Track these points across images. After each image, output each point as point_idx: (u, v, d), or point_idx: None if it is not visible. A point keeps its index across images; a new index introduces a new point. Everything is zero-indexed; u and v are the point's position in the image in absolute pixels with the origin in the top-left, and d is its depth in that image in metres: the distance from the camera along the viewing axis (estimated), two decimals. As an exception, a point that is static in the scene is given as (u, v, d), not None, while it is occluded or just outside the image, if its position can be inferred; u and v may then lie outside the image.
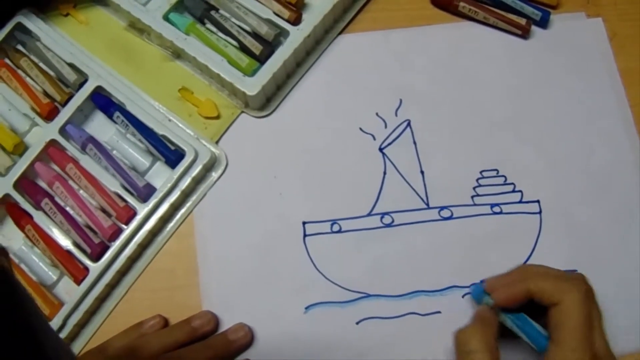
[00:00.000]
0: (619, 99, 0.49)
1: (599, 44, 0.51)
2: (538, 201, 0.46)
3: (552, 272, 0.40)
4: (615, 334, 0.41)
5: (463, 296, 0.44)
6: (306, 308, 0.44)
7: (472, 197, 0.46)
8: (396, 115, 0.48)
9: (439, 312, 0.44)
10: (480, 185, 0.47)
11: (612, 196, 0.46)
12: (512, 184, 0.47)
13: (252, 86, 0.46)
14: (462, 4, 0.50)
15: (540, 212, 0.46)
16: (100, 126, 0.48)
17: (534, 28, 0.51)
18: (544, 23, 0.50)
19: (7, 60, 0.49)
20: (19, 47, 0.50)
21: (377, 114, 0.48)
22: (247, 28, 0.48)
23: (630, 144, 0.48)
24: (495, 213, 0.46)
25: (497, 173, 0.47)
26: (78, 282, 0.43)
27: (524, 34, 0.50)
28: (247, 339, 0.42)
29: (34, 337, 0.25)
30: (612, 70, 0.50)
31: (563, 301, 0.37)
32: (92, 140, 0.46)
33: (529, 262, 0.45)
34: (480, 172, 0.47)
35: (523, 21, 0.50)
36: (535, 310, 0.39)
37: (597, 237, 0.45)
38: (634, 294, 0.44)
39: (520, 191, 0.47)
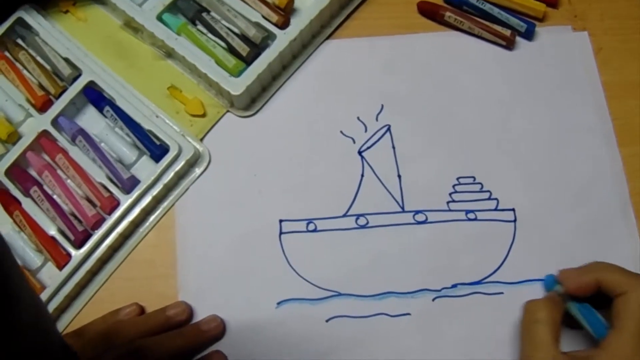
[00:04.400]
0: (601, 113, 0.50)
1: (584, 57, 0.51)
2: (513, 209, 0.47)
3: (622, 268, 0.41)
4: (587, 343, 0.42)
5: (433, 299, 0.45)
6: (278, 303, 0.45)
7: (448, 202, 0.47)
8: (377, 120, 0.49)
9: (408, 314, 0.44)
10: (456, 192, 0.47)
11: (589, 209, 0.47)
12: (489, 191, 0.48)
13: (237, 86, 0.47)
14: (448, 13, 0.51)
15: (515, 221, 0.47)
16: (90, 119, 0.50)
17: (519, 40, 0.52)
18: (529, 35, 0.51)
19: (6, 53, 0.51)
20: (19, 41, 0.52)
21: (358, 118, 0.49)
22: (236, 30, 0.50)
23: (611, 158, 0.48)
24: (469, 219, 0.47)
25: (474, 180, 0.48)
26: (60, 267, 0.45)
27: (509, 45, 0.51)
28: (218, 330, 0.44)
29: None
30: (596, 84, 0.50)
31: (629, 292, 0.38)
32: (82, 132, 0.48)
33: (500, 270, 0.45)
34: (457, 179, 0.48)
35: (508, 32, 0.51)
36: (599, 305, 0.40)
37: (570, 249, 0.46)
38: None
39: (496, 199, 0.47)
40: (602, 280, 0.40)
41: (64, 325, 0.45)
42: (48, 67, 0.51)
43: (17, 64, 0.51)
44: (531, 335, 0.39)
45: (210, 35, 0.50)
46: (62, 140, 0.48)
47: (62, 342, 0.32)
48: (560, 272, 0.42)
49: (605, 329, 0.39)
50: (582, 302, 0.41)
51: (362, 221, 0.47)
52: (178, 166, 0.47)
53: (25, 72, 0.50)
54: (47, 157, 0.48)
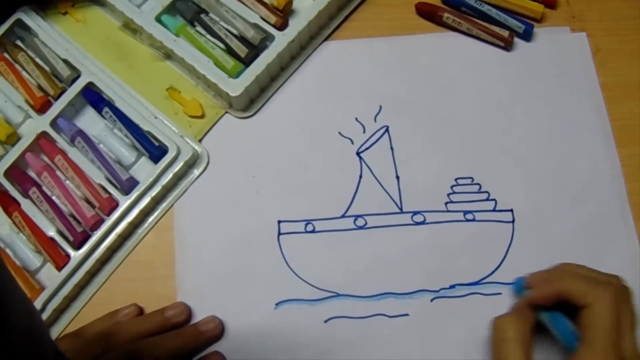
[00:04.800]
0: (600, 113, 0.50)
1: (582, 58, 0.51)
2: (511, 210, 0.47)
3: (588, 273, 0.41)
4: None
5: (432, 300, 0.45)
6: (276, 304, 0.45)
7: (446, 203, 0.47)
8: (375, 121, 0.49)
9: (406, 314, 0.45)
10: (454, 192, 0.48)
11: (587, 209, 0.47)
12: (487, 192, 0.48)
13: (235, 87, 0.47)
14: (446, 14, 0.51)
15: (513, 221, 0.47)
16: (89, 120, 0.50)
17: (517, 40, 0.52)
18: (527, 36, 0.51)
19: (5, 55, 0.51)
20: (18, 42, 0.52)
21: (356, 119, 0.50)
22: (235, 31, 0.50)
23: (609, 159, 0.48)
24: (468, 220, 0.47)
25: (472, 181, 0.48)
26: (59, 268, 0.45)
27: (507, 46, 0.51)
28: (217, 331, 0.44)
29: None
30: (594, 85, 0.51)
31: (593, 304, 0.38)
32: (81, 133, 0.48)
33: (498, 271, 0.45)
34: (455, 180, 0.48)
35: (506, 33, 0.51)
36: (571, 310, 0.40)
37: (569, 249, 0.46)
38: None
39: (494, 199, 0.47)
40: (566, 291, 0.39)
41: (62, 326, 0.45)
42: (47, 68, 0.51)
43: (16, 65, 0.51)
44: (502, 354, 0.39)
45: (208, 36, 0.50)
46: (61, 142, 0.48)
47: (56, 349, 0.32)
48: (528, 278, 0.42)
49: (575, 340, 0.39)
50: (553, 309, 0.40)
51: (360, 222, 0.47)
52: (177, 167, 0.47)
53: (24, 73, 0.50)
54: (46, 158, 0.48)
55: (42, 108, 0.49)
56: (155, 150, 0.47)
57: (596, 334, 0.37)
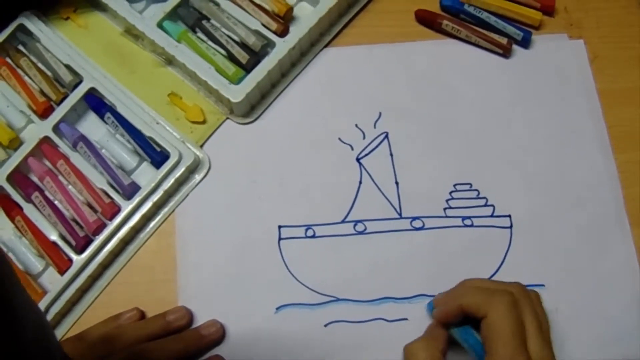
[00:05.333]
0: (597, 120, 0.50)
1: (580, 65, 0.52)
2: (509, 216, 0.48)
3: (486, 285, 0.41)
4: (581, 349, 0.43)
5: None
6: (277, 308, 0.45)
7: (445, 209, 0.48)
8: (375, 127, 0.50)
9: (405, 319, 0.45)
10: (452, 198, 0.48)
11: (584, 215, 0.47)
12: (485, 198, 0.48)
13: (236, 94, 0.48)
14: (445, 22, 0.52)
15: (511, 227, 0.47)
16: (91, 126, 0.50)
17: (515, 48, 0.52)
18: (525, 43, 0.52)
19: (7, 60, 0.52)
20: (20, 47, 0.53)
21: (356, 125, 0.50)
22: (236, 38, 0.50)
23: (605, 165, 0.49)
24: (466, 226, 0.47)
25: (471, 187, 0.48)
26: (62, 272, 0.45)
27: (505, 53, 0.52)
28: (218, 334, 0.44)
29: (11, 318, 0.26)
30: (591, 92, 0.51)
31: (489, 314, 0.38)
32: (83, 138, 0.48)
33: (496, 276, 0.46)
34: (454, 185, 0.48)
35: (504, 40, 0.51)
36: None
37: (566, 255, 0.46)
38: (601, 310, 0.45)
39: (492, 205, 0.48)
40: (463, 306, 0.39)
41: (65, 329, 0.46)
42: (49, 73, 0.51)
43: (19, 70, 0.51)
44: None
45: (210, 42, 0.50)
46: (63, 147, 0.48)
47: (63, 355, 0.33)
48: (434, 299, 0.43)
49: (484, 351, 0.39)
50: (464, 323, 0.40)
51: (360, 227, 0.47)
52: (178, 172, 0.47)
53: (26, 78, 0.51)
54: (48, 163, 0.49)
55: (44, 113, 0.49)
56: (157, 156, 0.47)
57: (495, 343, 0.37)
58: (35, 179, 0.48)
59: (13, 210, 0.47)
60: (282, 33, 0.50)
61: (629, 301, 0.45)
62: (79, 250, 0.46)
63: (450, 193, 0.48)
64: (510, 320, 0.37)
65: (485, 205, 0.48)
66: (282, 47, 0.49)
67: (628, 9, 0.54)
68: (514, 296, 0.39)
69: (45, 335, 0.30)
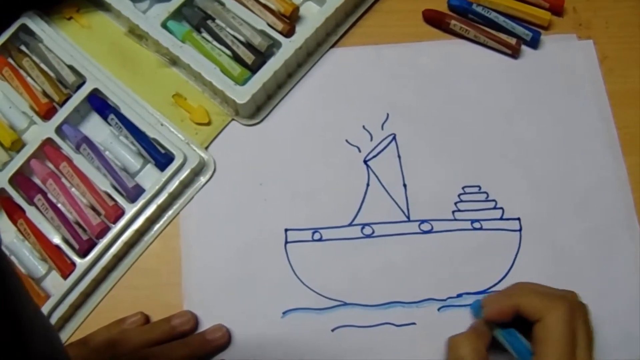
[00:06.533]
0: (606, 121, 0.50)
1: (589, 65, 0.51)
2: (519, 219, 0.47)
3: (542, 289, 0.41)
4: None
5: (439, 309, 0.45)
6: (283, 313, 0.45)
7: (453, 212, 0.47)
8: (382, 128, 0.49)
9: (413, 323, 0.44)
10: (461, 201, 0.47)
11: (594, 218, 0.47)
12: (494, 200, 0.47)
13: (242, 95, 0.47)
14: (453, 22, 0.51)
15: (520, 230, 0.47)
16: (95, 127, 0.50)
17: (524, 48, 0.51)
18: (534, 43, 0.51)
19: (10, 60, 0.51)
20: (22, 47, 0.52)
21: (363, 126, 0.49)
22: (241, 38, 0.50)
23: (615, 167, 0.48)
24: (475, 229, 0.47)
25: (480, 189, 0.48)
26: (65, 276, 0.44)
27: (514, 53, 0.51)
28: (224, 339, 0.43)
29: (19, 327, 0.26)
30: (601, 93, 0.50)
31: (546, 318, 0.38)
32: (86, 140, 0.48)
33: (505, 279, 0.45)
34: (463, 188, 0.48)
35: (513, 41, 0.51)
36: (528, 328, 0.39)
37: (576, 257, 0.46)
38: (610, 313, 0.44)
39: (501, 208, 0.47)
40: (519, 306, 0.39)
41: (68, 334, 0.45)
42: (52, 74, 0.50)
43: (21, 71, 0.50)
44: None
45: (215, 43, 0.50)
46: (66, 148, 0.48)
47: None
48: (483, 298, 0.42)
49: (530, 355, 0.39)
50: (509, 326, 0.40)
51: (367, 230, 0.46)
52: (183, 175, 0.46)
53: (29, 79, 0.50)
54: (51, 165, 0.48)
55: (47, 114, 0.48)
56: (161, 158, 0.47)
57: (548, 347, 0.37)
58: (37, 181, 0.48)
59: (15, 213, 0.46)
60: (288, 33, 0.49)
61: (638, 304, 0.44)
62: (82, 254, 0.45)
63: (459, 196, 0.48)
64: (566, 326, 0.37)
65: (495, 208, 0.47)
66: (288, 48, 0.48)
67: (638, 9, 0.53)
68: (572, 304, 0.39)
69: (53, 345, 0.29)
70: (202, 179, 0.48)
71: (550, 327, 0.37)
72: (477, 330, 0.41)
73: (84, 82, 0.49)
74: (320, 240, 0.46)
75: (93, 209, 0.46)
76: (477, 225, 0.47)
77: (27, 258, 0.46)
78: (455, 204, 0.47)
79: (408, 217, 0.47)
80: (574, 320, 0.38)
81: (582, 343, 0.38)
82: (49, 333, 0.29)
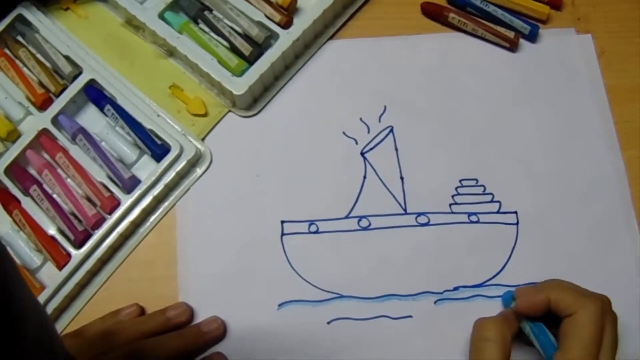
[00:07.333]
0: (604, 116, 0.49)
1: (587, 60, 0.51)
2: (516, 212, 0.47)
3: (577, 287, 0.41)
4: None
5: (435, 302, 0.45)
6: (279, 305, 0.44)
7: (450, 205, 0.47)
8: (379, 121, 0.49)
9: (410, 316, 0.44)
10: (458, 194, 0.47)
11: (591, 211, 0.47)
12: (491, 194, 0.47)
13: (239, 86, 0.47)
14: (451, 15, 0.51)
15: (517, 223, 0.47)
16: (91, 118, 0.49)
17: (522, 42, 0.51)
18: (532, 37, 0.51)
19: (6, 50, 0.51)
20: (19, 37, 0.52)
21: (361, 119, 0.49)
22: (239, 29, 0.49)
23: (613, 161, 0.48)
24: (472, 222, 0.47)
25: (477, 182, 0.48)
26: (60, 267, 0.44)
27: (512, 47, 0.51)
28: (219, 331, 0.43)
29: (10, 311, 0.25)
30: (599, 87, 0.50)
31: (577, 313, 0.38)
32: (82, 131, 0.48)
33: (502, 273, 0.45)
34: (460, 181, 0.48)
35: (511, 34, 0.50)
36: (554, 325, 0.40)
37: (573, 251, 0.46)
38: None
39: (498, 201, 0.47)
40: (552, 300, 0.39)
41: (63, 325, 0.45)
42: (48, 64, 0.50)
43: (17, 61, 0.50)
44: (479, 353, 0.39)
45: (212, 34, 0.50)
46: (62, 139, 0.47)
47: (66, 354, 0.32)
48: (516, 290, 0.42)
49: (554, 350, 0.39)
50: (537, 321, 0.40)
51: (364, 223, 0.46)
52: (179, 166, 0.46)
53: (25, 69, 0.50)
54: (47, 156, 0.48)
55: (43, 105, 0.48)
56: (157, 149, 0.47)
57: (575, 342, 0.37)
58: (33, 172, 0.47)
59: (11, 204, 0.46)
60: (286, 25, 0.49)
61: (635, 299, 0.44)
62: (78, 245, 0.45)
63: (456, 189, 0.47)
64: (596, 325, 0.37)
65: (492, 201, 0.47)
66: (286, 39, 0.48)
67: (636, 4, 0.53)
68: (605, 305, 0.39)
69: (48, 335, 0.29)
70: (199, 171, 0.48)
71: (580, 323, 0.37)
72: (506, 318, 0.41)
73: (80, 73, 0.49)
74: (316, 232, 0.46)
75: (89, 199, 0.46)
76: (474, 218, 0.47)
77: (22, 249, 0.46)
78: (453, 197, 0.47)
79: (405, 210, 0.47)
80: (604, 322, 0.38)
81: (607, 347, 0.38)
82: (43, 321, 0.29)
